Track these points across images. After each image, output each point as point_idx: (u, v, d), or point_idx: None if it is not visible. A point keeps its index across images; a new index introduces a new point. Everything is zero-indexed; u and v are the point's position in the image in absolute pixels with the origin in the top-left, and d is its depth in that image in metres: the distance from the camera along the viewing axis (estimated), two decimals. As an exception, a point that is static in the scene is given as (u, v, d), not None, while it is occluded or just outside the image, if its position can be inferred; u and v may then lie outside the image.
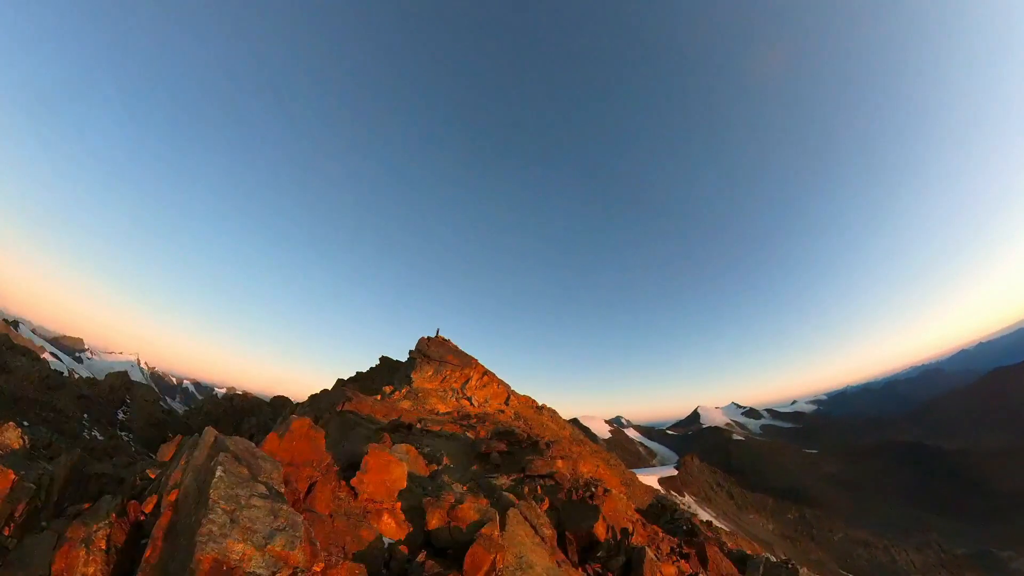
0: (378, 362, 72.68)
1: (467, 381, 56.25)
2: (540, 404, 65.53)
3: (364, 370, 72.03)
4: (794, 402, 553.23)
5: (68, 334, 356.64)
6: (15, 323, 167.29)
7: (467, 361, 59.65)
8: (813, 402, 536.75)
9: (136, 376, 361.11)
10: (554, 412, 66.67)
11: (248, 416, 79.07)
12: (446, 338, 64.33)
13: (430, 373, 54.88)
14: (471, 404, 51.43)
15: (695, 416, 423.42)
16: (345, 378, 70.53)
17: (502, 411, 52.92)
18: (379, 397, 47.65)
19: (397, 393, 48.82)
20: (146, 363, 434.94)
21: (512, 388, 62.12)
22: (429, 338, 62.75)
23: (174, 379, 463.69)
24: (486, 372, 60.30)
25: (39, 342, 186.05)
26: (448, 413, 44.25)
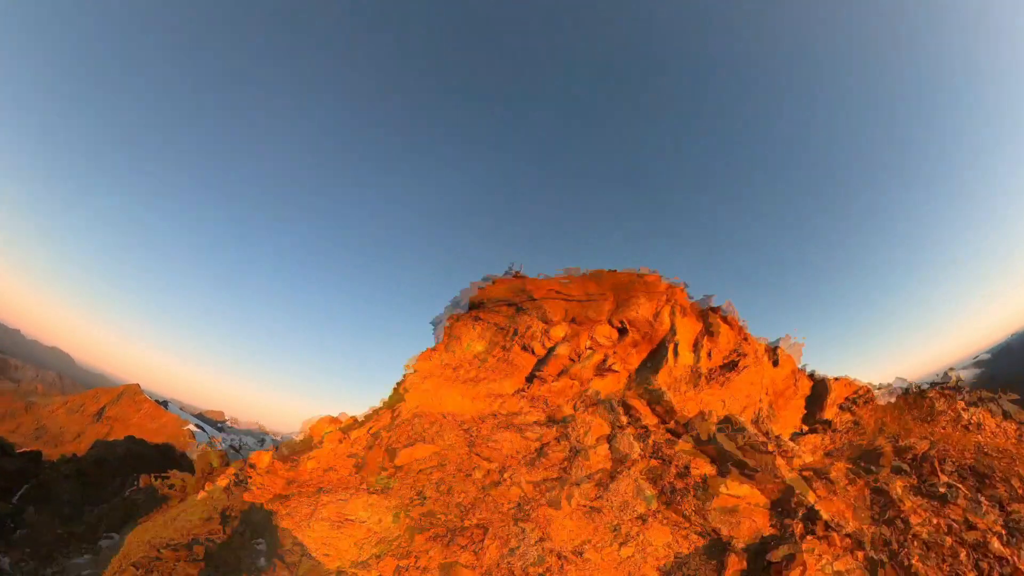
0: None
1: (671, 351, 21.28)
2: (939, 403, 23.73)
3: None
4: (951, 369, 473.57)
5: (212, 408, 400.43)
6: (164, 403, 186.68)
7: (624, 285, 22.87)
8: (975, 364, 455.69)
9: (268, 441, 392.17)
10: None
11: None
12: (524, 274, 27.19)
13: (481, 346, 21.22)
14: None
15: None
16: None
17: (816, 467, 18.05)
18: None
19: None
20: (273, 430, 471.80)
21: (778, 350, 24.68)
22: (490, 280, 25.00)
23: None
24: (709, 310, 23.46)
25: (186, 416, 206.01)
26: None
